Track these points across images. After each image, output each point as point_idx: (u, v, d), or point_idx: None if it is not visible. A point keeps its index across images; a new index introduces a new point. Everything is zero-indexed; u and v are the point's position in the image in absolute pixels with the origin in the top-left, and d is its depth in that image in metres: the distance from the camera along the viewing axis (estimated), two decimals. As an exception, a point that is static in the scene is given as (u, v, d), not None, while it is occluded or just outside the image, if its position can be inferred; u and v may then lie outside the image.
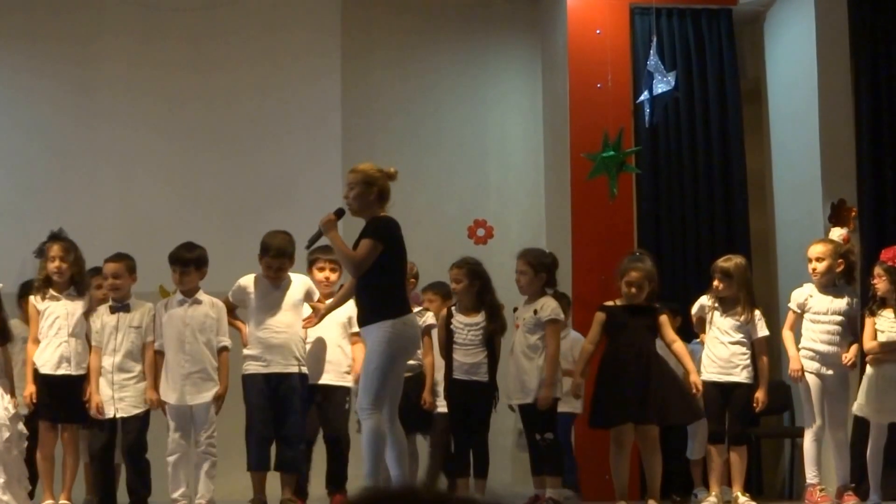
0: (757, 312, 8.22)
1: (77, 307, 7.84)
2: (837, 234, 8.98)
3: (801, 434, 9.64)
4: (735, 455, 8.13)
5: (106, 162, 10.45)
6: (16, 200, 10.20)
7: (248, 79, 10.64)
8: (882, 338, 8.29)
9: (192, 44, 10.65)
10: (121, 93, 10.51)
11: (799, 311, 8.35)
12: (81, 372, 7.77)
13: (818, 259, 8.27)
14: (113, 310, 7.86)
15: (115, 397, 7.76)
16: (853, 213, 9.61)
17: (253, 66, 10.65)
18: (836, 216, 9.62)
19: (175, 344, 7.80)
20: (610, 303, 8.17)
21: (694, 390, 7.91)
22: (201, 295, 7.90)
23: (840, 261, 8.31)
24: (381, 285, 6.73)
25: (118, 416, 7.76)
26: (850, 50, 9.95)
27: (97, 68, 10.55)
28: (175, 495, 7.78)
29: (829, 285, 8.29)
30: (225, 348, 7.89)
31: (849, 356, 8.20)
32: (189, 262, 7.83)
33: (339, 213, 6.89)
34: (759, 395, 8.10)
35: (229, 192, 10.41)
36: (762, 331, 8.19)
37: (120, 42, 10.58)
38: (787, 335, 8.38)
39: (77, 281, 7.88)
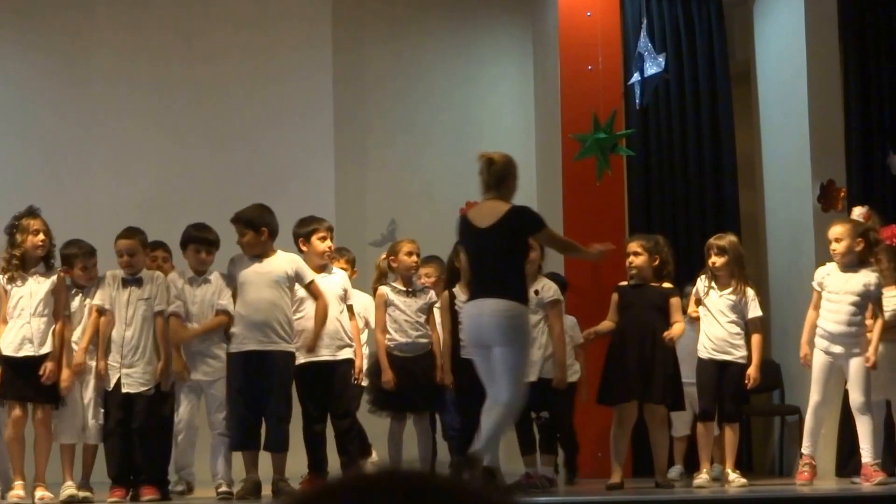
0: (750, 292, 8.22)
1: (43, 286, 7.67)
2: (858, 212, 8.91)
3: (791, 412, 9.75)
4: (728, 432, 8.17)
5: (98, 153, 10.49)
6: (7, 189, 10.22)
7: (239, 69, 10.66)
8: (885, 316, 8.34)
9: (183, 34, 10.68)
10: (112, 84, 10.54)
11: (820, 290, 8.21)
12: (46, 351, 7.58)
13: (836, 240, 8.19)
14: (125, 283, 7.71)
15: (122, 373, 7.62)
16: (842, 194, 9.65)
17: (244, 57, 10.68)
18: (825, 197, 9.66)
19: (184, 321, 7.75)
20: (623, 283, 8.29)
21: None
22: (210, 274, 7.82)
23: (859, 240, 8.23)
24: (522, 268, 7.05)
25: (124, 391, 7.61)
26: (839, 31, 9.99)
27: (89, 61, 10.59)
28: (181, 473, 7.74)
29: (851, 265, 8.19)
30: (225, 312, 7.77)
31: (869, 355, 8.05)
32: (213, 244, 7.80)
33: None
34: (751, 371, 8.11)
35: (222, 183, 10.41)
36: (755, 311, 8.21)
37: (111, 34, 10.62)
38: (810, 314, 8.24)
39: (47, 259, 7.75)
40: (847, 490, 7.64)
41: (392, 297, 8.09)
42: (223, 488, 7.62)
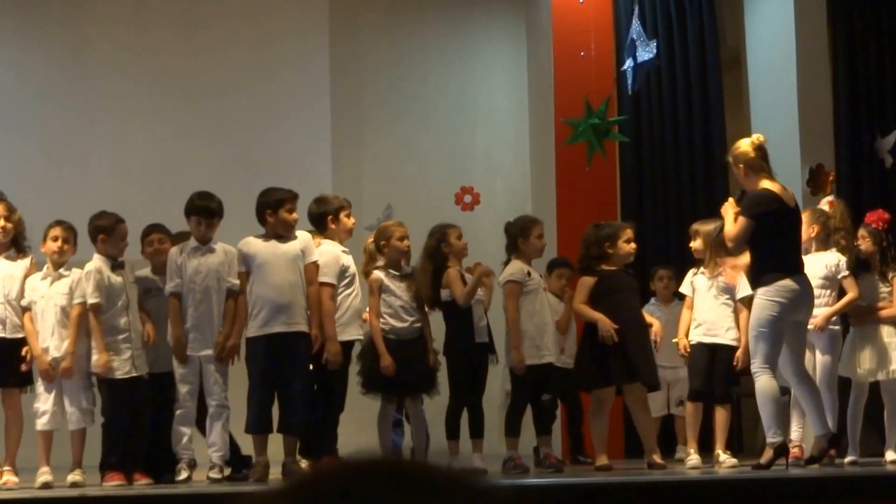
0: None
1: (17, 269, 7.64)
2: (824, 201, 9.08)
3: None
4: (719, 414, 8.25)
5: (97, 142, 10.61)
6: (7, 178, 10.30)
7: (237, 59, 10.75)
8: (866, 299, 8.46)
9: (181, 25, 10.78)
10: (111, 75, 10.64)
11: None
12: (19, 335, 7.55)
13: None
14: (113, 269, 7.62)
15: (131, 356, 7.56)
16: (831, 178, 9.74)
17: (242, 47, 10.77)
18: (814, 181, 9.75)
19: (186, 293, 7.63)
20: (605, 268, 8.27)
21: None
22: (214, 243, 7.70)
23: (815, 226, 8.40)
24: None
25: (144, 374, 7.59)
26: (828, 17, 10.10)
27: (89, 52, 10.71)
28: (177, 448, 7.58)
29: (810, 250, 8.38)
30: (233, 291, 7.66)
31: (817, 321, 8.19)
32: (214, 213, 7.67)
33: (740, 196, 7.82)
34: (739, 353, 8.17)
35: (220, 170, 10.48)
36: (743, 290, 8.21)
37: (110, 25, 10.72)
38: None
39: (18, 242, 7.71)
40: (834, 471, 7.75)
41: (387, 282, 8.07)
42: (215, 472, 7.53)
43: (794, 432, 8.32)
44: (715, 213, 9.57)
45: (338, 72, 10.89)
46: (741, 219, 7.62)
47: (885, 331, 8.41)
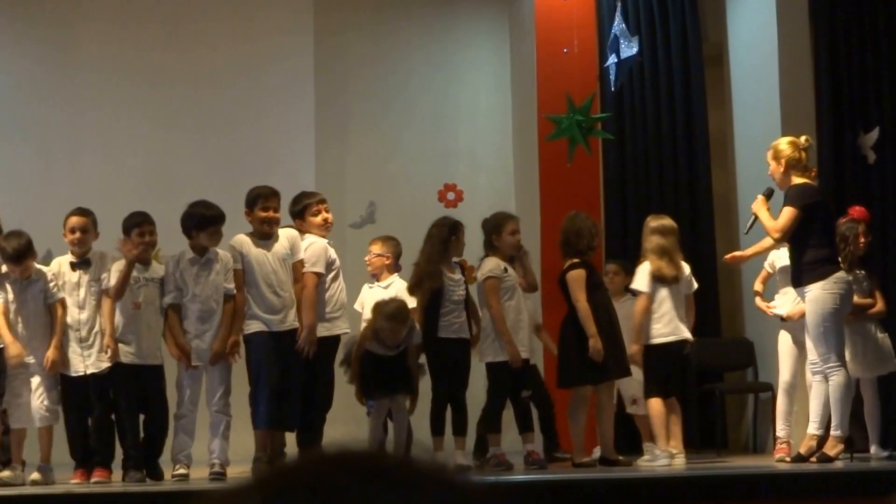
0: (685, 268, 8.31)
1: None
2: None
3: (764, 389, 9.90)
4: (673, 410, 8.22)
5: (86, 139, 10.61)
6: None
7: (223, 56, 10.77)
8: (856, 296, 8.46)
9: (167, 23, 10.77)
10: (100, 72, 10.65)
11: (771, 271, 8.55)
12: None
13: None
14: (74, 266, 7.68)
15: (83, 354, 7.61)
16: (813, 174, 9.77)
17: (228, 44, 10.79)
18: (797, 176, 9.78)
19: (186, 305, 7.68)
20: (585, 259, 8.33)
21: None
22: (212, 252, 7.73)
23: None
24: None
25: (88, 372, 7.62)
26: (810, 14, 10.12)
27: (77, 50, 10.72)
28: (179, 455, 7.62)
29: None
30: (231, 295, 7.71)
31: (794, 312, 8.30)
32: (218, 221, 7.71)
33: (768, 193, 7.89)
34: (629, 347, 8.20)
35: (206, 167, 10.49)
36: (690, 286, 8.32)
37: (98, 23, 10.73)
38: (757, 287, 8.66)
39: None
40: (819, 468, 7.77)
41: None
42: (216, 468, 7.56)
43: (781, 430, 8.33)
44: (697, 209, 9.62)
45: (322, 69, 10.88)
46: (787, 209, 7.70)
47: (872, 328, 8.44)
